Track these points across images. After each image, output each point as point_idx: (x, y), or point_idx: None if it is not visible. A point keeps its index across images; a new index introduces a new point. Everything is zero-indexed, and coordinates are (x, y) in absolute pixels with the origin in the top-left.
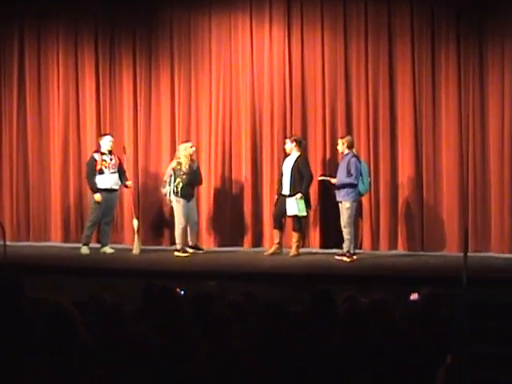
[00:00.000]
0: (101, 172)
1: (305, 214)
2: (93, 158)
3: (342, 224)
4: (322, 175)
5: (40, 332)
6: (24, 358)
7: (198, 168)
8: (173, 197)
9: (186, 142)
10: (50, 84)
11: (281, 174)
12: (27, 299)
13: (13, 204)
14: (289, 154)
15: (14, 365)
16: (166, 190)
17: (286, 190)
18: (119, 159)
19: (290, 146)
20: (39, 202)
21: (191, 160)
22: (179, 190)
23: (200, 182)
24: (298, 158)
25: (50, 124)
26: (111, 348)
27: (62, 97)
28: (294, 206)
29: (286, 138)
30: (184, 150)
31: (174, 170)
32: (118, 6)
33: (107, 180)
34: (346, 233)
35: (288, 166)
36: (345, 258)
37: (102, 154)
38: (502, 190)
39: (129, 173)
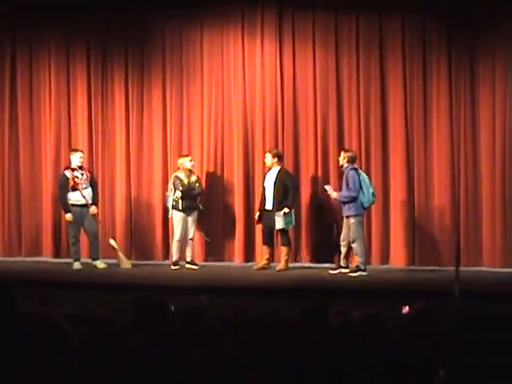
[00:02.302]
0: (74, 189)
1: (291, 226)
2: (64, 175)
3: (351, 239)
4: (328, 184)
5: (34, 344)
6: (24, 358)
7: (199, 181)
8: (171, 210)
9: (186, 156)
10: (41, 99)
11: (263, 189)
12: (19, 313)
13: (4, 219)
14: (269, 168)
15: (14, 365)
16: (169, 203)
17: (269, 205)
18: (90, 173)
19: (270, 160)
20: (31, 217)
21: (190, 174)
22: (177, 203)
23: (199, 194)
24: (279, 172)
25: (41, 139)
26: (107, 358)
27: (54, 112)
28: (281, 220)
29: (265, 152)
30: (182, 164)
31: (173, 183)
32: (110, 20)
33: (81, 196)
34: (354, 248)
35: (270, 180)
36: (352, 274)
37: (73, 170)
38: (494, 204)
39: (121, 187)
